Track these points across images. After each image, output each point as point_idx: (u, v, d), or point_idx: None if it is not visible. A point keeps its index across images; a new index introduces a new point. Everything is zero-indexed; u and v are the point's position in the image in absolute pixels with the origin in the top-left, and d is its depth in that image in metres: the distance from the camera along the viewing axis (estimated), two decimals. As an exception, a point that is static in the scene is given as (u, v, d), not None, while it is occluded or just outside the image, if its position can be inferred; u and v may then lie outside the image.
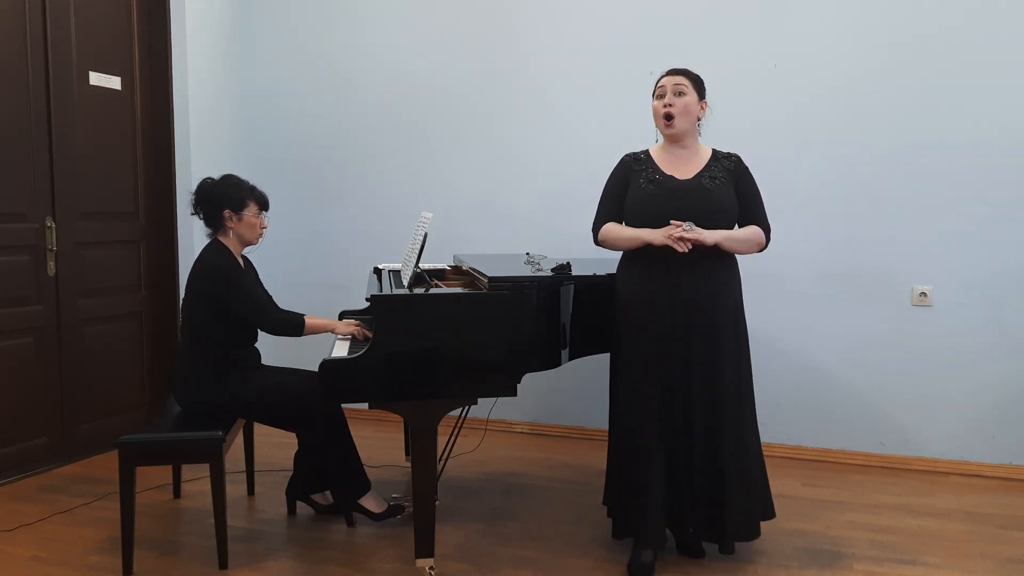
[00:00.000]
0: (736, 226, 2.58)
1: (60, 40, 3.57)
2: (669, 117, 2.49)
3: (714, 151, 2.59)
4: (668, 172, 2.52)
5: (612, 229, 2.58)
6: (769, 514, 2.67)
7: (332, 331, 2.88)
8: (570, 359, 2.63)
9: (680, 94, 2.50)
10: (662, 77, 2.56)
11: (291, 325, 2.80)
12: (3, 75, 3.35)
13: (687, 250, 2.38)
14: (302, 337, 2.86)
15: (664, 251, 2.43)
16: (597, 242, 2.64)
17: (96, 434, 3.78)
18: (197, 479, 3.37)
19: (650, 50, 3.78)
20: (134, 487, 2.57)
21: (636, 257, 2.55)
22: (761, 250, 2.59)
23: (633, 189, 2.55)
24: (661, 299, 2.48)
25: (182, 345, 2.89)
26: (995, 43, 3.45)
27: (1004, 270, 3.51)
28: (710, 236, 2.40)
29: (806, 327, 3.77)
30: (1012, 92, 3.45)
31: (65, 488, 3.35)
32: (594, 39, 3.95)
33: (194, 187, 2.89)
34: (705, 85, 2.59)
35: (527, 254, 3.40)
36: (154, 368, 4.10)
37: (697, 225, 2.41)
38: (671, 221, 2.41)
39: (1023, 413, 3.54)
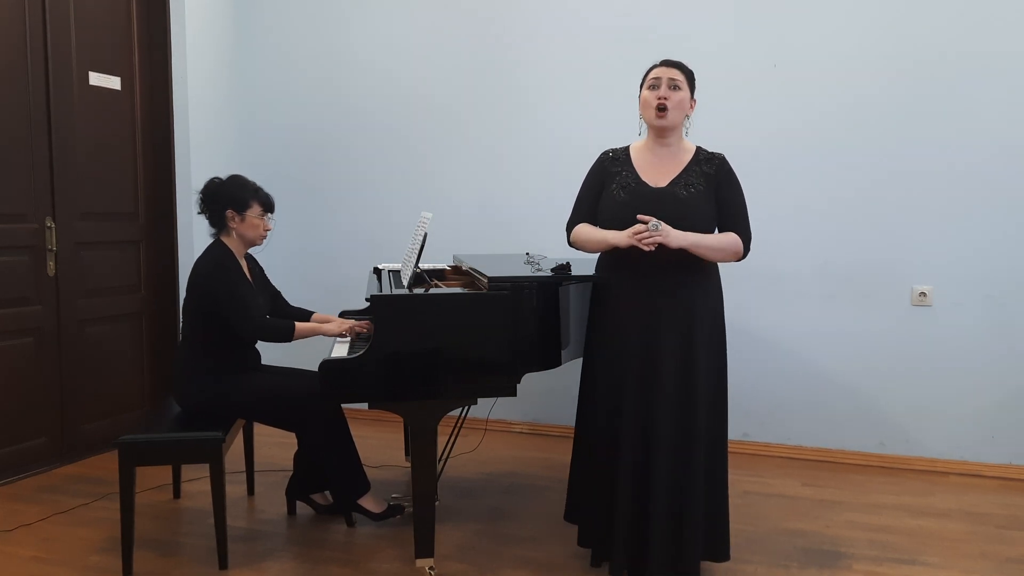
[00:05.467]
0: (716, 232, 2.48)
1: (60, 40, 3.57)
2: (663, 108, 2.39)
3: (698, 150, 2.49)
4: (644, 177, 2.43)
5: (582, 231, 2.50)
6: (722, 555, 2.49)
7: (322, 334, 2.86)
8: (570, 359, 2.63)
9: (675, 88, 2.40)
10: (656, 67, 2.46)
11: (277, 333, 2.77)
12: (3, 75, 3.35)
13: (652, 248, 2.28)
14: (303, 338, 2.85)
15: (635, 257, 2.35)
16: (570, 243, 2.58)
17: (96, 434, 3.78)
18: (197, 479, 3.37)
19: (650, 49, 3.77)
20: (134, 487, 2.57)
21: (608, 263, 2.50)
22: (739, 259, 2.45)
23: (606, 194, 2.47)
24: (631, 307, 2.41)
25: (182, 345, 2.89)
26: (995, 43, 3.45)
27: (1004, 270, 3.52)
28: (676, 239, 2.28)
29: (806, 327, 3.77)
30: (1012, 93, 3.45)
31: (65, 488, 3.35)
32: (596, 38, 3.95)
33: (198, 187, 2.89)
34: (696, 82, 2.51)
35: (527, 254, 3.40)
36: (154, 368, 4.10)
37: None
38: (637, 217, 2.30)
39: (1023, 413, 3.54)
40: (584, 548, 2.61)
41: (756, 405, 3.85)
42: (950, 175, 3.55)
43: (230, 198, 2.82)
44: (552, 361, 2.52)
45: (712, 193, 2.43)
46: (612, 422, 2.43)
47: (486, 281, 2.51)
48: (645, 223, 2.29)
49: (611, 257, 2.49)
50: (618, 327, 2.44)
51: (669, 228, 2.30)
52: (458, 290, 2.73)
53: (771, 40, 3.72)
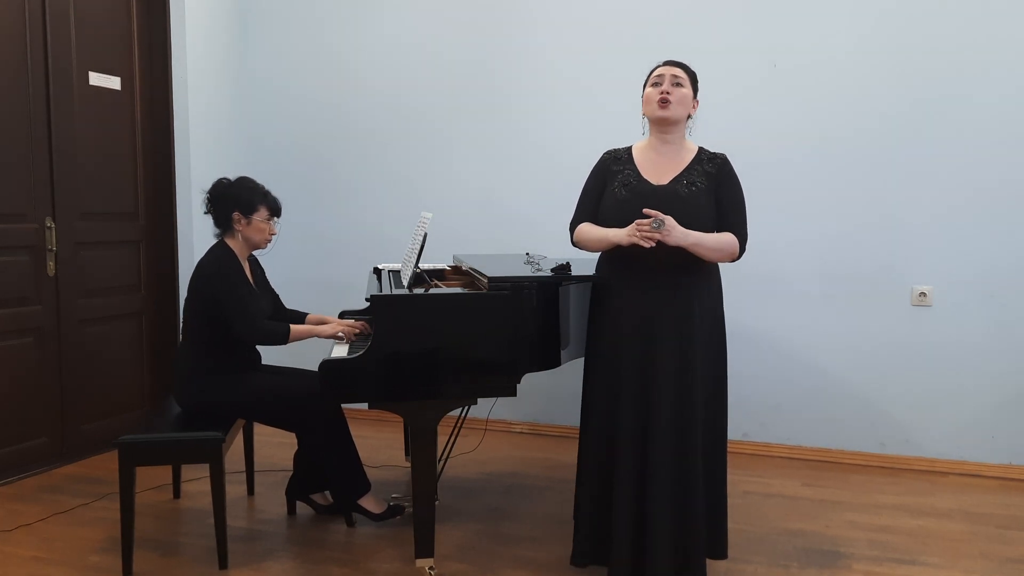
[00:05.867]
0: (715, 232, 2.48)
1: (60, 40, 3.57)
2: (665, 101, 2.40)
3: (700, 150, 2.50)
4: (645, 176, 2.44)
5: (584, 230, 2.51)
6: (720, 552, 2.51)
7: (316, 336, 2.85)
8: (570, 359, 2.63)
9: (678, 85, 2.42)
10: (658, 67, 2.48)
11: (273, 335, 2.77)
12: (3, 75, 3.35)
13: (652, 245, 2.26)
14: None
15: (635, 256, 2.35)
16: (573, 243, 2.58)
17: (96, 434, 3.78)
18: (197, 479, 3.37)
19: (650, 49, 3.77)
20: (134, 487, 2.57)
21: (608, 262, 2.51)
22: (733, 260, 2.44)
23: (608, 193, 2.48)
24: (630, 307, 2.41)
25: (182, 345, 2.89)
26: (994, 43, 3.45)
27: (1004, 270, 3.52)
28: (676, 238, 2.27)
29: (806, 327, 3.77)
30: (1012, 92, 3.45)
31: (65, 488, 3.36)
32: (596, 37, 3.95)
33: (198, 186, 2.89)
34: (698, 83, 2.52)
35: (527, 254, 3.40)
36: (154, 368, 4.10)
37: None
38: (644, 210, 2.28)
39: (1023, 413, 3.54)
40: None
41: (756, 405, 3.85)
42: (950, 175, 3.55)
43: (237, 200, 2.82)
44: (552, 361, 2.52)
45: (713, 192, 2.43)
46: (612, 422, 2.42)
47: (486, 281, 2.51)
48: (649, 218, 2.27)
49: (611, 256, 2.49)
50: (617, 327, 2.44)
51: (674, 225, 2.28)
52: (458, 290, 2.73)
53: (771, 40, 3.72)
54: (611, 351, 2.44)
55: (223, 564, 2.60)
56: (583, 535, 2.49)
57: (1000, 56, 3.45)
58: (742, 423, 3.85)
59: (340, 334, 2.86)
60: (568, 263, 2.66)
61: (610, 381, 2.44)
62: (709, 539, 2.46)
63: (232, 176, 2.91)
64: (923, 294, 3.62)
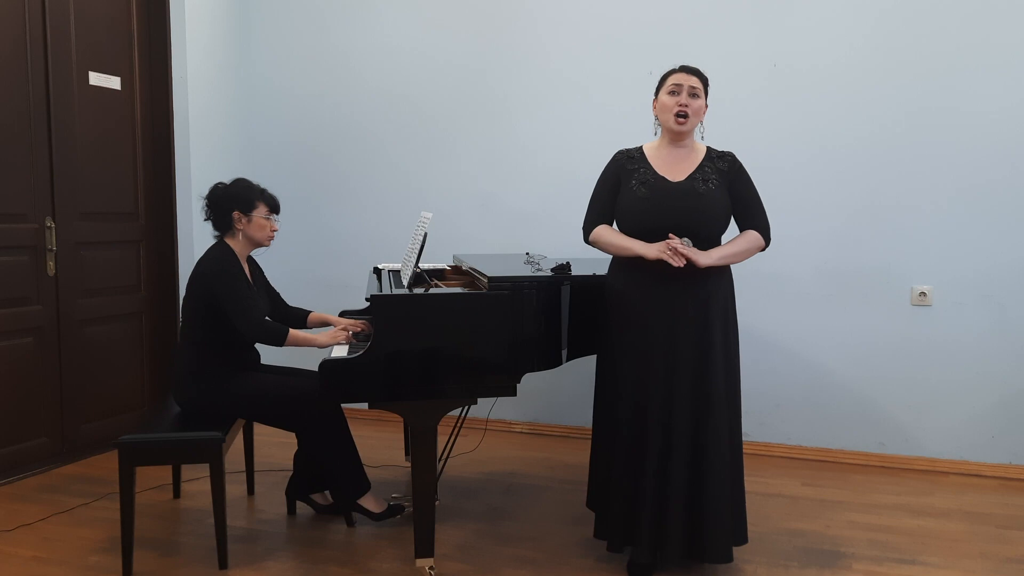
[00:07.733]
0: (732, 226, 2.56)
1: (60, 40, 3.57)
2: (683, 116, 2.45)
3: (708, 149, 2.55)
4: (661, 173, 2.48)
5: (604, 234, 2.53)
6: (741, 539, 2.56)
7: (315, 346, 2.78)
8: (570, 359, 2.63)
9: (695, 96, 2.46)
10: (675, 72, 2.51)
11: (273, 335, 2.75)
12: (3, 75, 3.35)
13: (682, 264, 2.33)
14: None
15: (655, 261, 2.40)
16: (587, 241, 2.60)
17: (96, 434, 3.78)
18: (197, 479, 3.37)
19: (650, 50, 3.79)
20: (134, 487, 2.57)
21: (626, 262, 2.53)
22: (762, 251, 2.56)
23: (625, 190, 2.51)
24: (648, 305, 2.45)
25: (181, 345, 2.89)
26: (994, 44, 3.45)
27: (1004, 270, 3.52)
28: (704, 258, 2.36)
29: (806, 327, 3.77)
30: (1011, 92, 3.45)
31: (65, 488, 3.36)
32: (596, 38, 3.95)
33: (199, 186, 2.89)
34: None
35: (527, 254, 3.41)
36: (154, 368, 4.10)
37: (690, 228, 2.38)
38: (669, 235, 2.37)
39: (1023, 413, 3.54)
40: (599, 539, 2.62)
41: (756, 405, 3.84)
42: (950, 175, 3.54)
43: (236, 199, 2.83)
44: (552, 361, 2.52)
45: (726, 189, 2.49)
46: (638, 415, 2.46)
47: (486, 281, 2.51)
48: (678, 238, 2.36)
49: (628, 257, 2.50)
50: (639, 323, 2.46)
51: (695, 249, 2.37)
52: (458, 290, 2.73)
53: (770, 40, 3.72)
54: (634, 347, 2.47)
55: (223, 564, 2.60)
56: (620, 523, 2.51)
57: (999, 56, 3.45)
58: (742, 423, 3.83)
59: (339, 340, 2.85)
60: (568, 263, 2.66)
61: (636, 375, 2.46)
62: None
63: (228, 179, 2.91)
64: (923, 294, 3.62)
